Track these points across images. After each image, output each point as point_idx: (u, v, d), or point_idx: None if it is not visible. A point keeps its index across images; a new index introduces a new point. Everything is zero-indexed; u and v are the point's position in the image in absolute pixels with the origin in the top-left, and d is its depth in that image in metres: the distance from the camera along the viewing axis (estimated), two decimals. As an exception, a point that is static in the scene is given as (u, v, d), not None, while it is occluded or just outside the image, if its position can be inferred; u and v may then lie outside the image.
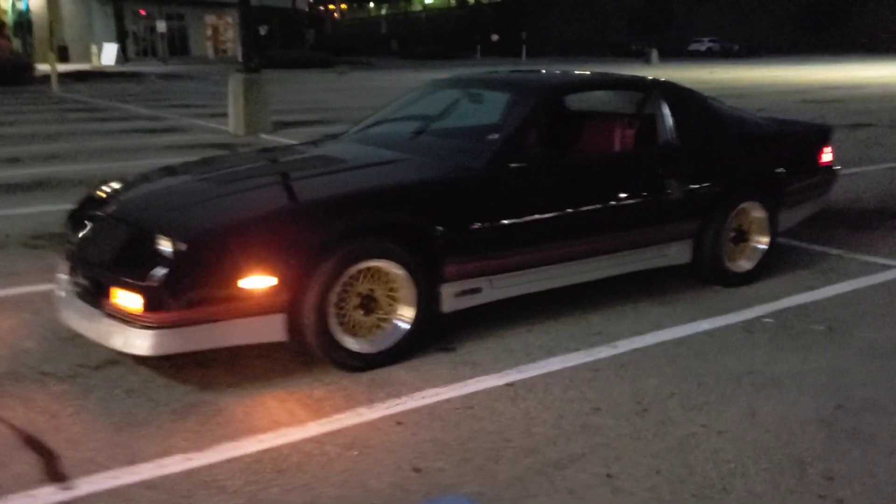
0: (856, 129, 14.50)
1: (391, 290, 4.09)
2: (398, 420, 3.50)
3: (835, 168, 6.21)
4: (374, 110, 6.08)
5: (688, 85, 5.92)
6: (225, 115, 14.69)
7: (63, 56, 46.12)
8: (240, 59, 15.63)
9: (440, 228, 4.14)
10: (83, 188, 5.02)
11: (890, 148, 12.23)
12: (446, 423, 3.48)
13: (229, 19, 59.30)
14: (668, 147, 5.25)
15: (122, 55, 48.34)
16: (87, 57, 46.09)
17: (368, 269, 3.98)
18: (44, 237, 6.43)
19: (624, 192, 4.86)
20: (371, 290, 4.04)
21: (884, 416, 3.59)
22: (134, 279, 3.58)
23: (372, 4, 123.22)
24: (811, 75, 33.95)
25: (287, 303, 3.76)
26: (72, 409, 3.57)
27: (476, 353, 4.26)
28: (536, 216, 4.50)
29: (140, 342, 3.57)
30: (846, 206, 7.93)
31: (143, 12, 54.73)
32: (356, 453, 3.22)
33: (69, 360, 4.08)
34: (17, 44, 40.23)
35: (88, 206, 4.38)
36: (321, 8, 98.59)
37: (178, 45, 58.01)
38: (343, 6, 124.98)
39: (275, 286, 3.69)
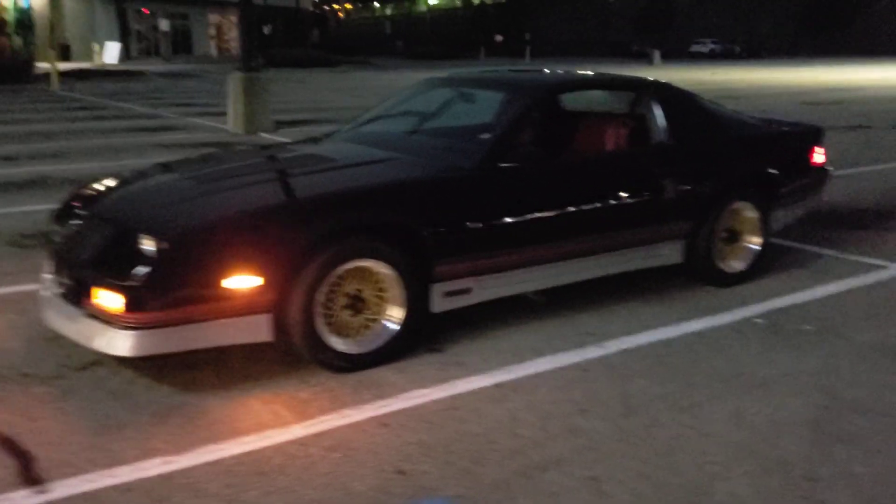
0: (853, 130, 14.47)
1: (380, 290, 4.06)
2: (384, 422, 3.48)
3: (827, 168, 6.19)
4: (367, 109, 6.05)
5: (689, 86, 5.89)
6: (225, 113, 14.66)
7: (65, 54, 46.16)
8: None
9: (429, 228, 4.11)
10: (73, 187, 4.99)
11: (886, 149, 12.21)
12: (432, 425, 3.45)
13: (233, 18, 59.17)
14: (660, 147, 5.22)
15: (125, 53, 48.37)
16: (89, 55, 46.10)
17: (357, 268, 3.95)
18: (34, 236, 6.40)
19: (616, 193, 4.84)
20: (359, 290, 4.01)
21: (870, 417, 3.56)
22: (115, 278, 3.53)
23: (377, 5, 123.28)
24: (812, 77, 33.89)
25: (273, 303, 3.72)
26: (52, 411, 3.54)
27: (465, 353, 4.23)
28: (527, 216, 4.48)
29: (121, 343, 3.53)
30: (841, 207, 7.89)
31: (145, 11, 54.74)
32: (339, 455, 3.19)
33: (52, 362, 4.05)
34: (18, 42, 40.19)
35: (73, 205, 4.35)
36: (326, 7, 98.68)
37: (182, 44, 57.99)
38: (348, 6, 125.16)
39: (260, 286, 3.65)
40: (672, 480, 3.04)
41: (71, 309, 3.79)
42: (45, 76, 26.85)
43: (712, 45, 69.36)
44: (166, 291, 3.52)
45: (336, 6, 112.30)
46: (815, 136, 6.11)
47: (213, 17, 60.91)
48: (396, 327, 4.09)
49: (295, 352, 3.96)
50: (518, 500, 2.91)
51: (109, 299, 3.52)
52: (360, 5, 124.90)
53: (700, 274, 5.32)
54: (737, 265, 5.44)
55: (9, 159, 10.73)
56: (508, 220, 4.40)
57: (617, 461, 3.17)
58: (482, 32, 78.88)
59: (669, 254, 5.18)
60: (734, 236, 5.43)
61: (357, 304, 4.01)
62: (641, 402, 3.69)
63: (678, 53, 64.40)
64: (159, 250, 3.54)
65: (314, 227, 3.82)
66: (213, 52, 60.45)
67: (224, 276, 3.58)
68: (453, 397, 3.72)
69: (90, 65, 41.22)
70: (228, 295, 3.60)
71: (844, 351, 4.32)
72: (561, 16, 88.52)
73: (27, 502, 2.86)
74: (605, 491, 2.97)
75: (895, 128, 15.07)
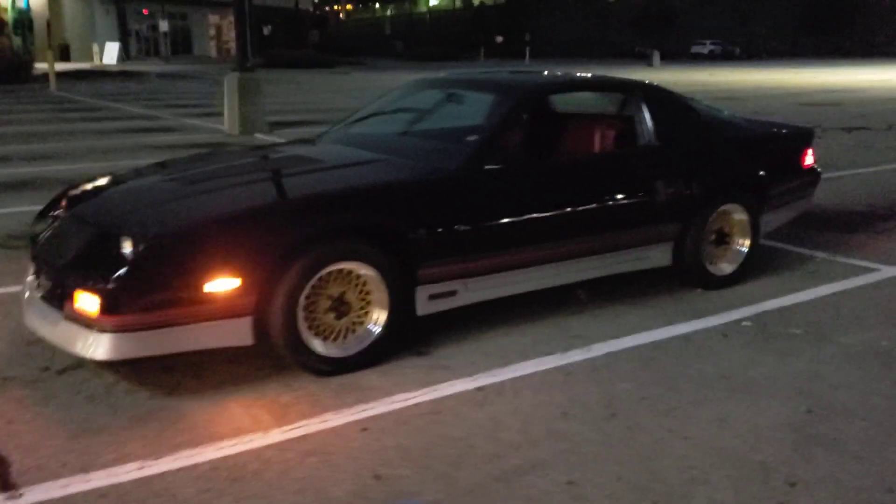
0: (849, 132, 14.44)
1: (363, 292, 4.03)
2: (364, 426, 3.45)
3: (817, 170, 6.16)
4: (355, 110, 6.02)
5: (688, 87, 5.88)
6: (222, 114, 14.64)
7: (64, 55, 46.21)
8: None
9: (414, 230, 4.08)
10: (62, 188, 4.97)
11: (881, 151, 12.19)
12: (412, 429, 3.42)
13: (232, 19, 59.30)
14: (648, 149, 5.19)
15: (124, 54, 48.37)
16: (88, 56, 46.13)
17: (340, 270, 3.92)
18: (22, 237, 6.37)
19: (603, 194, 4.81)
20: (343, 292, 3.98)
21: (853, 421, 3.54)
22: (92, 280, 3.49)
23: (377, 5, 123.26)
24: (811, 78, 33.85)
25: (254, 305, 3.68)
26: (30, 415, 3.51)
27: (451, 356, 4.20)
28: (513, 218, 4.44)
29: (98, 347, 3.48)
30: (833, 209, 7.87)
31: (145, 11, 54.75)
32: (317, 460, 3.16)
33: (33, 365, 4.02)
34: (17, 42, 40.20)
35: (57, 206, 4.33)
36: (326, 8, 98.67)
37: (181, 45, 58.04)
38: (348, 7, 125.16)
39: (240, 288, 3.61)
40: (652, 484, 3.01)
41: (51, 311, 3.75)
42: (45, 76, 26.83)
43: (712, 47, 69.44)
44: (143, 294, 3.47)
45: (337, 7, 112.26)
46: (805, 137, 6.09)
47: (213, 18, 60.94)
48: (380, 330, 4.06)
49: (277, 355, 3.92)
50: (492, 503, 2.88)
51: (88, 302, 3.48)
52: (360, 6, 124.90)
53: (689, 276, 5.29)
54: (726, 268, 5.41)
55: (2, 160, 10.70)
56: (494, 222, 4.37)
57: (596, 464, 3.15)
58: (482, 33, 78.82)
59: (658, 256, 5.15)
60: (723, 238, 5.40)
61: (340, 306, 3.98)
62: (624, 406, 3.66)
63: (678, 54, 64.39)
64: (136, 251, 3.51)
65: (296, 229, 3.78)
66: (213, 52, 60.47)
67: (204, 279, 3.54)
68: (436, 401, 3.69)
69: (89, 65, 41.26)
70: (208, 298, 3.56)
71: (831, 354, 4.29)
72: (561, 17, 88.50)
73: (-1, 507, 2.84)
74: (582, 495, 2.94)
75: (891, 128, 15.03)
